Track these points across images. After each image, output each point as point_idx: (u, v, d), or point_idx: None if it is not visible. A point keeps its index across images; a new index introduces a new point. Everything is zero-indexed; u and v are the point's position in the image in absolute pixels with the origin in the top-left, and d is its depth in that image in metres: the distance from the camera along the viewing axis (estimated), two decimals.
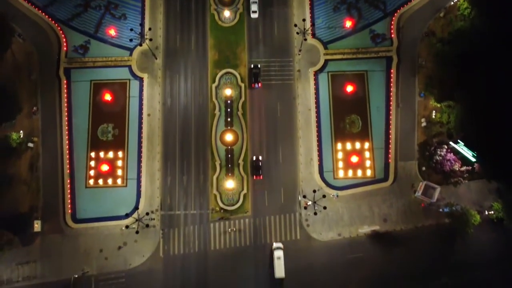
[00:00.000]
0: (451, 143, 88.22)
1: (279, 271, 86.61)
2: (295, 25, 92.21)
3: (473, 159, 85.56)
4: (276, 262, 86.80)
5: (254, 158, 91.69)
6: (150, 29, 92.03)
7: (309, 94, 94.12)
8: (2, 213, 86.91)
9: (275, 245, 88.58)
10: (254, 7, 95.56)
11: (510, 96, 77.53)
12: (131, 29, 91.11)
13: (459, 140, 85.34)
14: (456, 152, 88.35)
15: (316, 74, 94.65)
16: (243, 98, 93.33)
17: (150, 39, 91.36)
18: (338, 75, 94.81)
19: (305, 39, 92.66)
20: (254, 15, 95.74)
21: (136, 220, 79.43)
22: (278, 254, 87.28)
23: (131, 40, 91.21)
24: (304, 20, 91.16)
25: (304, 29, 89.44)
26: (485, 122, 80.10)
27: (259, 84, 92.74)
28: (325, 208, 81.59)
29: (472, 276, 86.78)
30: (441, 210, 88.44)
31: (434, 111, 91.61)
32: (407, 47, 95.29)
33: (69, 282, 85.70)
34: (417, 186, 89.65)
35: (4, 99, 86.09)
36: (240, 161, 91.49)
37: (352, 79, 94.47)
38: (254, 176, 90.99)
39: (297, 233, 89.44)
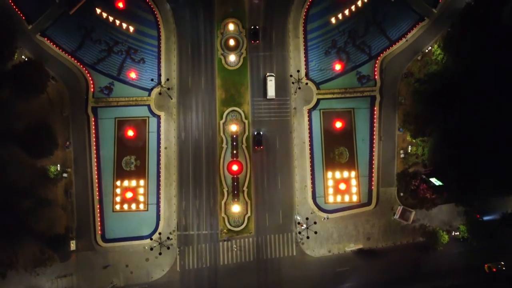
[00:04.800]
0: (423, 176, 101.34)
1: (271, 91, 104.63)
2: (291, 76, 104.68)
3: (441, 186, 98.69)
4: (268, 83, 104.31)
5: (256, 132, 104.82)
6: (168, 79, 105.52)
7: (304, 128, 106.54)
8: (44, 234, 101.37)
9: (268, 73, 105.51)
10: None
11: (474, 130, 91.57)
12: (152, 79, 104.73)
13: (430, 178, 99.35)
14: (428, 182, 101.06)
15: (309, 111, 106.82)
16: (246, 133, 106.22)
17: (168, 88, 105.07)
18: (328, 112, 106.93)
19: (299, 88, 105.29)
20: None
21: (159, 243, 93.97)
22: (270, 78, 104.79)
23: (152, 88, 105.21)
24: (298, 71, 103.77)
25: (299, 78, 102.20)
26: (453, 152, 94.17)
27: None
28: (316, 233, 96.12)
29: (442, 283, 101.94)
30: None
31: (410, 146, 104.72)
32: (389, 86, 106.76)
33: None
34: (396, 209, 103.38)
35: (44, 137, 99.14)
36: (245, 188, 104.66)
37: (341, 115, 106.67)
38: (255, 147, 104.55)
39: (293, 249, 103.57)
